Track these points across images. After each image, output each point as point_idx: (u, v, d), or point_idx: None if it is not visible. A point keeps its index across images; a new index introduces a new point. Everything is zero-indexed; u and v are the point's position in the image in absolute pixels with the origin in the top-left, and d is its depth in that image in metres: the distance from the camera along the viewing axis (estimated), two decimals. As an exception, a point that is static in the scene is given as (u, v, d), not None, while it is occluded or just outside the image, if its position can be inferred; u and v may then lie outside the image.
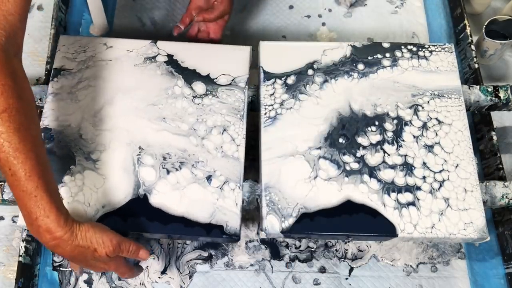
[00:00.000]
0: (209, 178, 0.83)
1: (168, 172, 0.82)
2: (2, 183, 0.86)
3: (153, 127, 0.86)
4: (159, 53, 0.92)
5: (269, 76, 0.91)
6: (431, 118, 0.88)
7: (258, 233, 0.98)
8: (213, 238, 0.82)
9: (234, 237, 0.80)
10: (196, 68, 0.91)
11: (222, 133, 0.86)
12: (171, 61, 0.92)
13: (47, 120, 0.86)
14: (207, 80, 0.90)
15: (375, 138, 0.87)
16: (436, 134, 0.87)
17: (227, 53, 0.93)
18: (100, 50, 0.92)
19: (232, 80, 0.91)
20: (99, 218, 0.79)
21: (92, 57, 0.91)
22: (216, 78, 0.91)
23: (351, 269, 0.96)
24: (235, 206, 0.81)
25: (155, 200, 0.81)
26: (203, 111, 0.88)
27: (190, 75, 0.91)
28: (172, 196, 0.81)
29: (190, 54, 0.93)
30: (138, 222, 0.79)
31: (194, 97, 0.89)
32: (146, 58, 0.92)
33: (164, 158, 0.83)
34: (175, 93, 0.89)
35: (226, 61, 0.92)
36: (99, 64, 0.91)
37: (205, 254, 0.96)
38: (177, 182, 0.82)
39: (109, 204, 0.80)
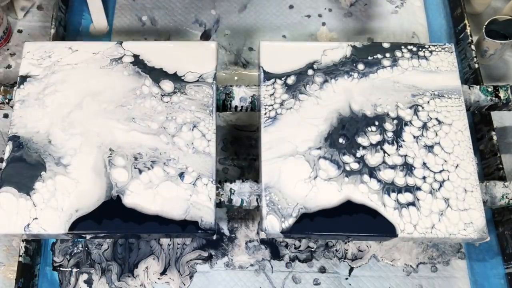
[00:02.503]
0: (181, 175, 0.83)
1: (140, 171, 0.83)
2: None
3: (122, 128, 0.86)
4: (125, 54, 0.92)
5: (269, 76, 0.91)
6: (431, 118, 0.88)
7: (258, 233, 0.98)
8: (189, 234, 0.82)
9: (210, 232, 0.80)
10: (163, 66, 0.91)
11: (192, 130, 0.86)
12: (138, 61, 0.92)
13: (15, 128, 0.86)
14: (175, 78, 0.90)
15: (375, 138, 0.86)
16: (436, 134, 0.87)
17: (193, 50, 0.93)
18: (65, 55, 0.92)
19: (200, 76, 0.91)
20: (73, 222, 0.79)
21: (57, 62, 0.91)
22: (184, 76, 0.91)
23: (351, 269, 0.96)
24: (208, 200, 0.81)
25: (128, 200, 0.81)
26: (172, 109, 0.88)
27: (157, 74, 0.91)
28: (146, 195, 0.81)
29: (156, 53, 0.93)
30: (113, 223, 0.80)
31: (162, 95, 0.89)
32: (112, 60, 0.92)
33: (136, 158, 0.84)
34: (143, 92, 0.89)
35: (193, 58, 0.92)
36: (65, 68, 0.91)
37: (205, 254, 0.96)
38: (149, 181, 0.82)
39: (82, 208, 0.80)
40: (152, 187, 0.82)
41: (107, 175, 0.82)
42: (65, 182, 0.82)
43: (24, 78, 0.90)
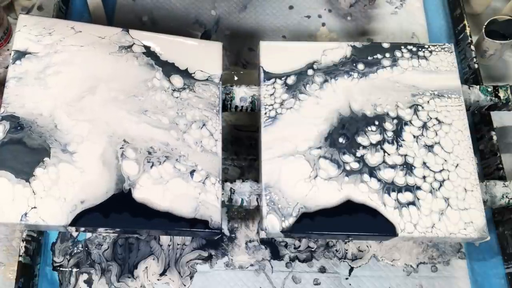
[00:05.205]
0: (192, 172, 0.82)
1: (151, 166, 0.80)
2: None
3: (133, 119, 0.83)
4: (134, 43, 0.89)
5: (269, 76, 0.91)
6: (431, 118, 0.88)
7: (258, 233, 0.98)
8: (197, 233, 0.81)
9: (217, 231, 0.79)
10: (174, 61, 0.90)
11: (201, 128, 0.85)
12: (150, 53, 0.89)
13: (12, 107, 0.80)
14: (185, 74, 0.89)
15: (375, 138, 0.87)
16: (436, 134, 0.87)
17: (200, 49, 0.92)
18: (68, 34, 0.87)
19: (209, 76, 0.90)
20: (77, 214, 0.75)
21: (60, 41, 0.86)
22: (194, 73, 0.90)
23: (351, 269, 0.96)
24: (216, 200, 0.81)
25: (138, 195, 0.78)
26: (182, 105, 0.86)
27: (169, 69, 0.89)
28: (156, 191, 0.79)
29: (165, 46, 0.90)
30: (121, 218, 0.76)
31: (173, 90, 0.87)
32: (121, 47, 0.88)
33: (149, 153, 0.81)
34: (155, 85, 0.87)
35: (201, 57, 0.91)
36: (70, 49, 0.86)
37: (205, 254, 0.96)
38: (160, 177, 0.80)
39: (88, 200, 0.76)
40: (162, 183, 0.79)
41: (118, 167, 0.79)
42: (69, 170, 0.77)
43: (21, 54, 0.84)
